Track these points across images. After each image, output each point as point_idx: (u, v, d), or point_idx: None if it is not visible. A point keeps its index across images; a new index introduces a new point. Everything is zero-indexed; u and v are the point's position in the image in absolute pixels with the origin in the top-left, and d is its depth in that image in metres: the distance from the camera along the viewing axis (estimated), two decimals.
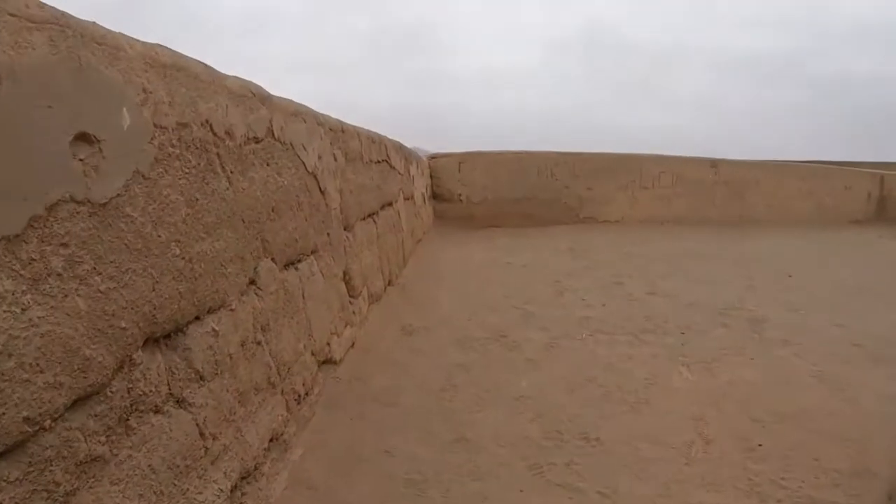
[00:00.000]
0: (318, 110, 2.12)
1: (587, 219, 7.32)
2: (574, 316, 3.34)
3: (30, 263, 0.69)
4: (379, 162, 3.32)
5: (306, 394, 1.82)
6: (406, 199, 4.62)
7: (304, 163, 1.88)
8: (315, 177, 2.00)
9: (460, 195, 7.02)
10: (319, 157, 2.06)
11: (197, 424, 1.10)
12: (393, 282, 3.51)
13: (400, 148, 4.51)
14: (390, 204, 3.53)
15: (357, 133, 2.79)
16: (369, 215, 2.98)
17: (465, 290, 3.87)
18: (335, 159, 2.32)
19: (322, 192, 2.09)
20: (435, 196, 7.02)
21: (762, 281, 4.30)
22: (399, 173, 4.08)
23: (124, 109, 0.90)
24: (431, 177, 6.98)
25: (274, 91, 1.65)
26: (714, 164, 7.85)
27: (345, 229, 2.46)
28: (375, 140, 3.25)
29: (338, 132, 2.40)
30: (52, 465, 0.72)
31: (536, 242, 6.27)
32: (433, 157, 6.97)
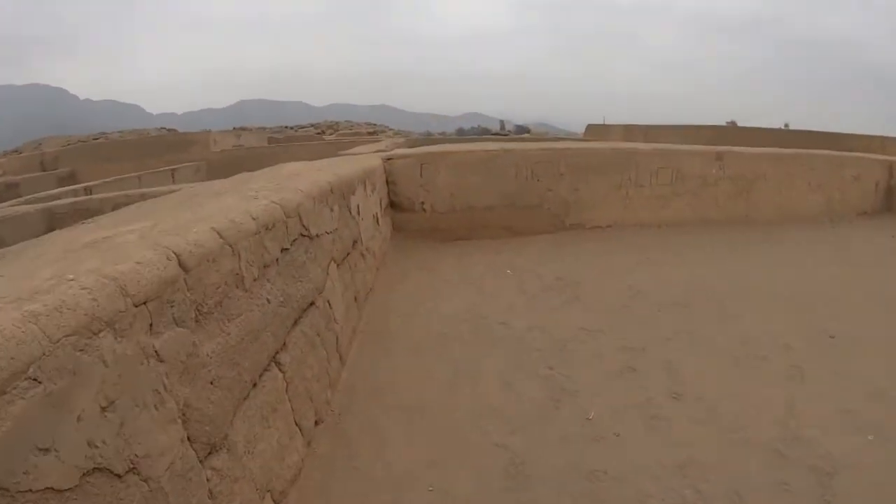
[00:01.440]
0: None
1: (574, 226, 6.22)
2: (584, 466, 2.28)
3: None
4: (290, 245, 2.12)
5: None
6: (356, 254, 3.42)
7: None
8: None
9: (423, 203, 5.81)
10: None
11: None
12: (322, 419, 2.37)
13: (359, 182, 3.29)
14: (312, 304, 2.34)
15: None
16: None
17: (425, 404, 2.76)
18: None
19: None
20: (393, 205, 5.80)
21: (804, 354, 3.30)
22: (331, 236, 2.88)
23: None
24: (388, 182, 5.74)
25: None
26: (720, 156, 6.77)
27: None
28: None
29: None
30: None
31: (516, 264, 5.17)
32: (389, 158, 5.71)
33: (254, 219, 1.84)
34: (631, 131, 15.35)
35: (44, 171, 14.29)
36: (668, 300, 4.21)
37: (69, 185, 11.93)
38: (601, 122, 18.22)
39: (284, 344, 2.02)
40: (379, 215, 4.92)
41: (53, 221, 6.60)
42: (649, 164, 6.35)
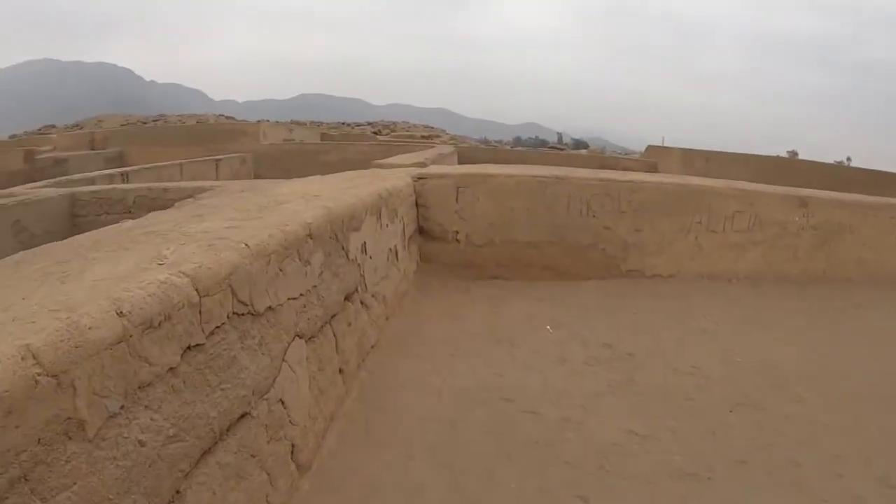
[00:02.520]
0: None
1: (632, 273, 5.33)
2: None
3: None
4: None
5: None
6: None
7: None
8: None
9: (457, 233, 5.07)
10: None
11: None
12: None
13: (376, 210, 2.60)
14: (245, 415, 1.64)
15: None
16: None
17: None
18: None
19: None
20: (422, 232, 5.09)
21: None
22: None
23: None
24: (418, 205, 5.03)
25: None
26: (804, 201, 5.72)
27: None
28: None
29: None
30: None
31: (558, 318, 4.37)
32: (420, 177, 5.00)
33: (121, 315, 1.14)
34: (690, 156, 14.15)
35: (93, 149, 14.46)
36: (739, 395, 3.30)
37: (116, 166, 11.98)
38: (661, 143, 17.04)
39: (178, 494, 1.32)
40: (399, 248, 4.21)
41: (76, 207, 6.40)
42: (725, 206, 5.38)
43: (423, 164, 6.83)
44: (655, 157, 15.50)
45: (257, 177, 13.45)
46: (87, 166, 11.65)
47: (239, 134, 16.95)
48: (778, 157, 12.57)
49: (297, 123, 25.66)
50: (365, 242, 3.07)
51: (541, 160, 15.04)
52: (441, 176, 5.00)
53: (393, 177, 4.71)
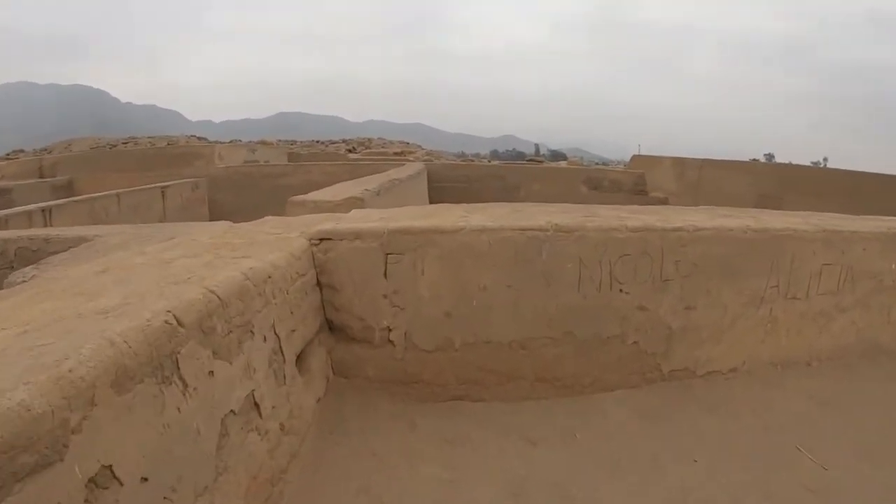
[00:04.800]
0: None
1: (677, 373, 3.27)
2: None
3: None
4: None
5: None
6: None
7: None
8: None
9: (389, 330, 2.88)
10: None
11: None
12: None
13: None
14: None
15: None
16: None
17: None
18: None
19: None
20: (332, 329, 2.86)
21: None
22: None
23: None
24: (321, 285, 2.82)
25: None
26: None
27: None
28: None
29: None
30: None
31: (563, 478, 2.30)
32: (323, 238, 2.81)
33: None
34: (682, 165, 12.58)
35: (41, 177, 12.70)
36: None
37: (65, 195, 10.37)
38: (638, 151, 15.54)
39: None
40: (263, 394, 2.01)
41: None
42: (810, 258, 3.44)
43: (358, 201, 4.64)
44: (643, 168, 13.82)
45: (211, 203, 11.40)
46: (34, 196, 10.12)
47: (194, 157, 14.69)
48: (785, 165, 11.09)
49: (264, 143, 23.63)
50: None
51: (520, 175, 13.08)
52: (358, 235, 2.80)
53: (272, 245, 2.50)
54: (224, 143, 23.41)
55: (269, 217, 3.64)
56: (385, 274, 2.81)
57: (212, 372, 1.76)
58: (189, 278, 2.00)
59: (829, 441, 2.99)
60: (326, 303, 2.92)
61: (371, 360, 2.96)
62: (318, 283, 2.89)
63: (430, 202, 10.73)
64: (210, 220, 11.37)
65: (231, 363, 1.90)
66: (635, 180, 13.02)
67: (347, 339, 2.99)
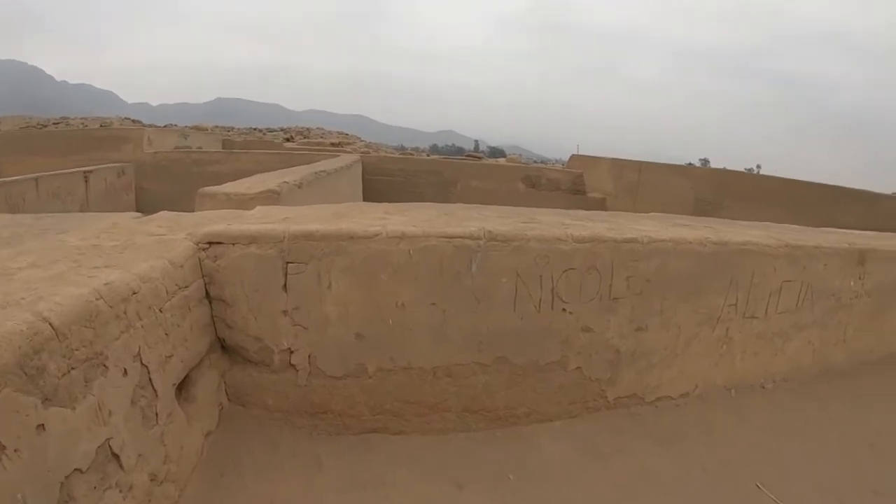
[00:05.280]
0: None
1: (625, 400, 2.91)
2: None
3: None
4: None
5: None
6: None
7: None
8: None
9: (291, 352, 2.40)
10: None
11: None
12: None
13: None
14: None
15: None
16: None
17: None
18: None
19: None
20: (226, 350, 2.36)
21: None
22: None
23: None
24: (211, 298, 2.31)
25: None
26: (862, 257, 3.67)
27: None
28: None
29: None
30: None
31: None
32: (212, 241, 2.31)
33: None
34: (620, 166, 12.43)
35: None
36: None
37: None
38: (577, 151, 15.43)
39: None
40: (151, 407, 1.52)
41: None
42: (771, 275, 3.14)
43: (274, 194, 4.10)
44: (581, 168, 13.62)
45: (139, 190, 10.53)
46: None
47: (121, 141, 13.56)
48: (723, 170, 11.01)
49: (198, 128, 22.36)
50: None
51: (458, 171, 12.63)
52: (253, 239, 2.30)
53: (149, 251, 1.99)
54: (159, 126, 22.02)
55: (164, 212, 3.09)
56: (285, 287, 2.32)
57: (42, 425, 1.27)
58: (22, 299, 1.48)
59: (788, 473, 2.71)
60: (217, 319, 2.41)
61: (271, 386, 2.48)
62: (208, 296, 2.38)
63: (365, 197, 10.21)
64: (136, 209, 10.54)
65: (73, 409, 1.41)
66: (573, 180, 12.84)
67: (243, 360, 2.49)
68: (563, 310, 2.51)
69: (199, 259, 2.34)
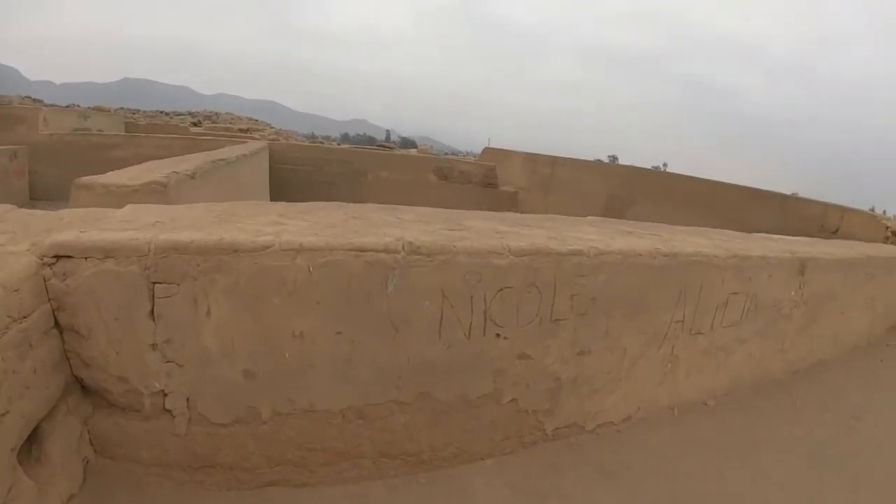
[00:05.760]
0: None
1: (563, 431, 2.59)
2: None
3: None
4: None
5: None
6: None
7: None
8: None
9: (164, 395, 1.89)
10: None
11: None
12: None
13: None
14: None
15: None
16: None
17: None
18: None
19: None
20: (86, 392, 1.82)
21: None
22: None
23: None
24: (60, 327, 1.76)
25: None
26: (802, 266, 3.55)
27: None
28: None
29: None
30: None
31: None
32: (58, 254, 1.76)
33: None
34: (534, 161, 12.34)
35: None
36: None
37: None
38: (488, 144, 15.35)
39: None
40: None
41: None
42: (719, 287, 2.91)
43: (160, 187, 3.50)
44: (494, 161, 13.40)
45: (32, 175, 9.34)
46: None
47: (14, 121, 11.99)
48: (634, 167, 11.04)
49: (100, 109, 20.65)
50: None
51: (369, 161, 12.07)
52: (109, 252, 1.79)
53: None
54: (59, 106, 20.20)
55: (9, 208, 2.48)
56: (152, 314, 1.82)
57: None
58: None
59: (737, 501, 2.50)
60: (71, 354, 1.88)
61: (143, 436, 1.97)
62: (58, 325, 1.84)
63: (271, 187, 9.55)
64: (29, 195, 9.39)
65: None
66: (486, 173, 12.66)
67: (108, 405, 1.97)
68: (497, 335, 2.14)
69: (45, 278, 1.80)
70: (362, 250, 1.86)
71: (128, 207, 2.33)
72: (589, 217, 3.23)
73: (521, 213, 12.22)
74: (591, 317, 2.34)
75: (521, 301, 2.13)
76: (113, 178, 3.27)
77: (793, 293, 3.55)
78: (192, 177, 3.76)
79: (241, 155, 6.02)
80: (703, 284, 2.78)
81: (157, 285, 1.82)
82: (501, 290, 2.07)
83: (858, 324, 4.56)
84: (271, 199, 9.45)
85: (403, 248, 1.91)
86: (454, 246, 1.97)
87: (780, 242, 3.65)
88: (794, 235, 6.87)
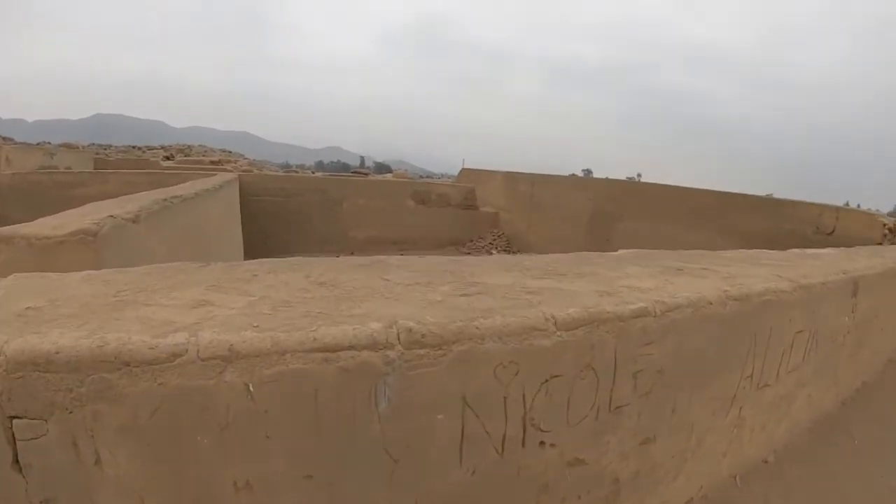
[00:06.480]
0: None
1: None
2: None
3: None
4: None
5: None
6: None
7: None
8: None
9: None
10: None
11: None
12: None
13: None
14: None
15: None
16: None
17: None
18: None
19: None
20: None
21: None
22: None
23: None
24: None
25: None
26: (855, 287, 3.01)
27: None
28: None
29: None
30: None
31: None
32: None
33: None
34: (514, 180, 11.83)
35: None
36: None
37: None
38: (463, 164, 14.86)
39: None
40: None
41: None
42: (786, 327, 2.30)
43: (89, 237, 2.69)
44: (472, 182, 12.85)
45: None
46: None
47: None
48: (618, 180, 10.55)
49: (68, 146, 19.87)
50: None
51: (344, 189, 11.24)
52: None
53: None
54: (28, 144, 19.24)
55: None
56: (17, 464, 1.07)
57: None
58: None
59: None
60: None
61: None
62: None
63: (244, 220, 8.71)
64: None
65: None
66: (465, 194, 12.13)
67: None
68: (542, 443, 1.46)
69: None
70: (333, 350, 1.15)
71: (10, 278, 1.56)
72: (621, 251, 2.58)
73: (504, 233, 11.67)
74: (656, 396, 1.69)
75: (573, 392, 1.45)
76: (36, 227, 2.48)
77: (846, 319, 3.00)
78: (135, 220, 2.97)
79: (203, 190, 5.19)
80: (772, 327, 2.16)
81: (15, 421, 1.07)
82: (547, 381, 1.39)
83: (892, 337, 4.09)
84: (243, 233, 8.57)
85: (399, 340, 1.21)
86: (476, 328, 1.28)
87: (826, 260, 3.10)
88: (788, 239, 6.46)
